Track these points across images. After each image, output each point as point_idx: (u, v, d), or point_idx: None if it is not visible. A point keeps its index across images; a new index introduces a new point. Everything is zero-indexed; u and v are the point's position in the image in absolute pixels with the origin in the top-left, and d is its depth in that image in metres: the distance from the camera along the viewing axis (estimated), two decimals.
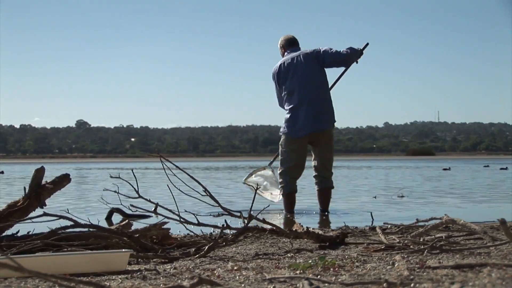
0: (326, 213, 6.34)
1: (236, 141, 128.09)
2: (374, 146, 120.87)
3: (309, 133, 6.25)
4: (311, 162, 6.57)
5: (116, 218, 5.92)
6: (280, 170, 6.42)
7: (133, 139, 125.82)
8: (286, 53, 6.46)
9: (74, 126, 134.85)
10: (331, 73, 6.49)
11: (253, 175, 6.95)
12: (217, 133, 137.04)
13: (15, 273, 2.53)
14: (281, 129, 6.44)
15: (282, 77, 6.34)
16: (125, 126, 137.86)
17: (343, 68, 6.46)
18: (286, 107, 6.35)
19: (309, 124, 6.23)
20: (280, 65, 6.38)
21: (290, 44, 6.50)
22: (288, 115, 6.30)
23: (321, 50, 6.27)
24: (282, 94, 6.37)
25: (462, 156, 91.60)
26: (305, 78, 6.25)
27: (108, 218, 5.94)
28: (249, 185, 6.71)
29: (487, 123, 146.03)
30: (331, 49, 6.26)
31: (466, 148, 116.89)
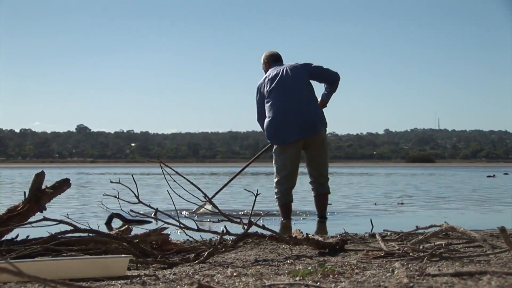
0: (324, 219, 6.33)
1: (236, 146, 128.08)
2: (374, 152, 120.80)
3: (299, 139, 6.20)
4: (304, 168, 6.54)
5: (116, 223, 5.92)
6: (276, 179, 6.36)
7: (133, 144, 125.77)
8: (270, 69, 6.47)
9: (74, 130, 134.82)
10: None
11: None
12: (217, 139, 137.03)
13: (15, 278, 2.53)
14: (268, 139, 6.37)
15: (268, 87, 6.29)
16: (125, 131, 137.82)
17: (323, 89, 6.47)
18: (271, 115, 6.25)
19: (298, 129, 6.17)
20: (265, 77, 6.40)
21: (275, 60, 6.54)
22: (274, 123, 6.23)
23: (313, 64, 6.36)
24: (267, 104, 6.30)
25: (462, 164, 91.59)
26: (292, 86, 6.24)
27: (108, 223, 5.94)
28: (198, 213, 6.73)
29: (487, 131, 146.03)
30: (322, 66, 6.37)
31: (466, 155, 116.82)
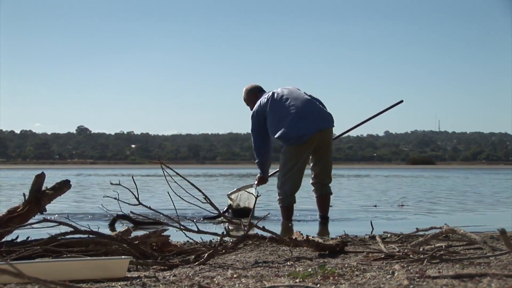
0: (326, 219, 6.33)
1: (236, 148, 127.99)
2: (375, 154, 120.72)
3: (315, 133, 6.11)
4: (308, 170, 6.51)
5: (119, 225, 5.91)
6: (282, 180, 6.32)
7: (133, 146, 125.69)
8: (260, 97, 6.51)
9: (74, 132, 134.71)
10: None
11: (239, 192, 7.03)
12: (217, 140, 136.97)
13: (15, 279, 2.53)
14: (282, 141, 6.25)
15: (272, 103, 6.27)
16: (125, 132, 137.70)
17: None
18: (282, 122, 6.17)
19: (314, 124, 6.13)
20: (260, 102, 6.39)
21: (260, 90, 6.67)
22: (286, 127, 6.15)
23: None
24: (274, 119, 6.24)
25: (462, 166, 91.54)
26: (301, 95, 6.34)
27: (112, 225, 5.94)
28: (230, 198, 7.05)
29: (487, 133, 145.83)
30: None
31: (466, 157, 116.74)
